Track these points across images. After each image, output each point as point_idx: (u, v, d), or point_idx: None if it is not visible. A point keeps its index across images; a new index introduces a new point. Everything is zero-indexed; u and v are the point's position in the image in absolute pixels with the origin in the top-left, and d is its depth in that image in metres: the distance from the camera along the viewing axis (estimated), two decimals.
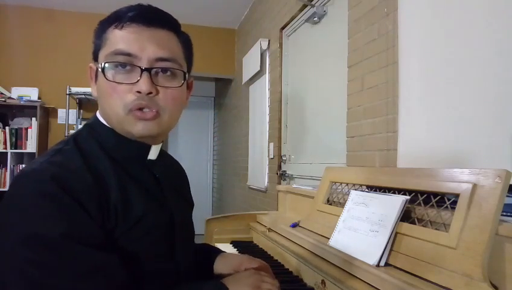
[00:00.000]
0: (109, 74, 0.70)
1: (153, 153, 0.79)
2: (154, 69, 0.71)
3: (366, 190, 1.06)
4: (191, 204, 0.96)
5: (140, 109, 0.71)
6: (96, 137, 0.75)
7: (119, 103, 0.70)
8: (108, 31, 0.73)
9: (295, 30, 2.73)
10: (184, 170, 1.01)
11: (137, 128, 0.72)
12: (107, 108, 0.73)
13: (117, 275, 0.64)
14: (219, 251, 1.00)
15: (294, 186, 1.76)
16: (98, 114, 0.79)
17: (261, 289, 0.76)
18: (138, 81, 0.69)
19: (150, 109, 0.71)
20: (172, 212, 0.80)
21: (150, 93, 0.70)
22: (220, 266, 0.94)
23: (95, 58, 0.76)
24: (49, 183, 0.61)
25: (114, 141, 0.75)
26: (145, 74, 0.70)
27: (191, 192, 0.99)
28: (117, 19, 0.72)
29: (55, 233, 0.59)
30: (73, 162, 0.67)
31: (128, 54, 0.70)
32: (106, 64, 0.70)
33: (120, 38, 0.70)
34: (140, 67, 0.70)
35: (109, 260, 0.64)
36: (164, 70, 0.73)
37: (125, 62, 0.70)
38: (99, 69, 0.72)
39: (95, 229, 0.64)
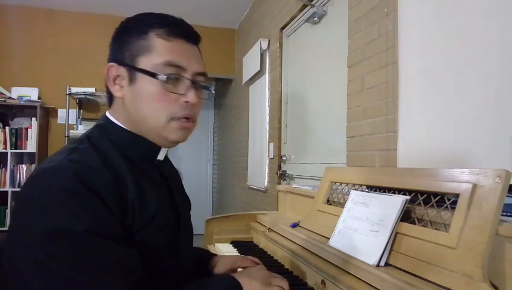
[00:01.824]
0: (161, 82, 0.74)
1: (162, 154, 0.84)
2: (197, 82, 0.78)
3: (366, 190, 1.06)
4: (190, 204, 0.99)
5: (185, 118, 0.77)
6: (109, 136, 0.77)
7: (165, 110, 0.75)
8: (150, 37, 0.75)
9: (295, 30, 2.73)
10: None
11: (176, 135, 0.78)
12: (145, 112, 0.75)
13: (136, 269, 0.66)
14: (212, 254, 1.07)
15: (294, 186, 1.76)
16: (109, 115, 0.81)
17: (271, 284, 0.78)
18: (187, 92, 0.76)
19: (190, 119, 0.78)
20: (178, 211, 0.83)
21: (194, 104, 0.77)
22: (216, 265, 1.00)
23: (125, 60, 0.76)
24: (72, 180, 0.63)
25: (127, 141, 0.78)
26: (193, 87, 0.77)
27: (190, 192, 1.02)
28: (157, 26, 0.76)
29: (80, 228, 0.61)
30: (91, 160, 0.69)
31: (178, 67, 0.75)
32: (160, 73, 0.74)
33: (170, 50, 0.75)
34: (189, 79, 0.77)
35: (129, 255, 0.66)
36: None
37: (176, 74, 0.75)
38: (146, 74, 0.74)
39: (116, 224, 0.66)
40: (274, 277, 0.80)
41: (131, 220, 0.70)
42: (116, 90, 0.78)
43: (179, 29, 0.77)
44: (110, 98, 0.81)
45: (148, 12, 0.80)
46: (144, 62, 0.75)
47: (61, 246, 0.60)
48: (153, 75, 0.74)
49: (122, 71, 0.77)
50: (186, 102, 0.76)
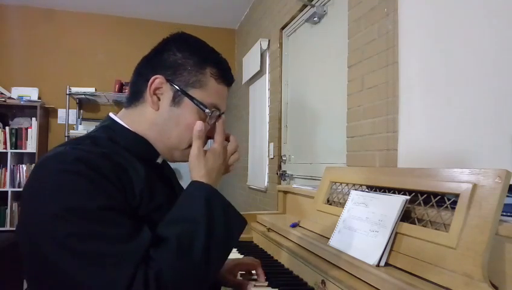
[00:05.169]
0: (202, 115, 0.80)
1: (160, 159, 0.86)
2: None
3: (366, 190, 1.06)
4: None
5: None
6: (113, 136, 0.79)
7: (190, 137, 0.79)
8: (206, 74, 0.80)
9: (295, 30, 2.73)
10: None
11: (184, 159, 0.83)
12: (174, 133, 0.80)
13: (148, 237, 0.66)
14: None
15: (294, 186, 1.76)
16: (113, 116, 0.83)
17: (229, 164, 0.83)
18: (212, 128, 0.82)
19: None
20: None
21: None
22: None
23: (175, 81, 0.79)
24: (76, 163, 0.65)
25: (131, 141, 0.79)
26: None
27: None
28: (213, 64, 0.81)
29: (92, 205, 0.62)
30: (94, 149, 0.71)
31: (217, 108, 0.82)
32: (207, 110, 0.79)
33: (216, 92, 0.82)
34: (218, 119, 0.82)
35: (141, 224, 0.67)
36: None
37: (215, 114, 0.82)
38: (197, 105, 0.79)
39: (124, 201, 0.68)
40: (225, 154, 0.81)
41: (138, 205, 0.71)
42: (153, 102, 0.79)
43: (227, 76, 0.84)
44: (133, 98, 0.82)
45: (202, 42, 0.85)
46: (195, 94, 0.79)
47: (77, 223, 0.61)
48: (202, 108, 0.79)
49: (168, 89, 0.79)
50: (209, 137, 0.83)
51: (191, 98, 0.79)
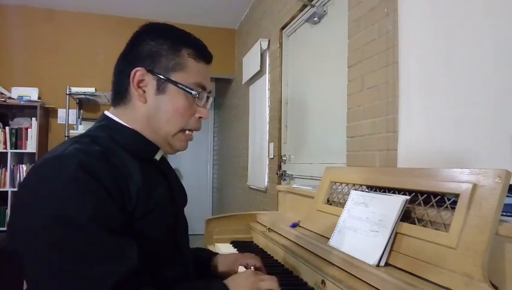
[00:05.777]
0: (190, 97, 0.81)
1: (159, 155, 0.87)
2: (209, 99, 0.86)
3: (366, 190, 1.06)
4: (186, 199, 1.01)
5: (190, 130, 0.85)
6: (112, 135, 0.79)
7: (182, 121, 0.81)
8: (183, 56, 0.80)
9: (295, 30, 2.73)
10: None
11: (181, 145, 0.85)
12: (164, 120, 0.80)
13: (132, 259, 0.66)
14: (212, 253, 1.11)
15: (294, 186, 1.76)
16: (110, 114, 0.83)
17: (260, 289, 0.78)
18: (203, 108, 0.84)
19: (193, 131, 0.86)
20: (178, 205, 0.87)
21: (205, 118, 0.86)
22: (217, 264, 1.02)
23: (156, 70, 0.79)
24: (75, 169, 0.65)
25: (130, 139, 0.80)
26: (207, 103, 0.85)
27: (190, 192, 1.04)
28: (187, 45, 0.81)
29: (82, 217, 0.62)
30: (95, 149, 0.71)
31: (203, 87, 0.83)
32: (193, 90, 0.80)
33: (198, 72, 0.82)
34: (207, 98, 0.84)
35: (127, 245, 0.67)
36: None
37: (202, 92, 0.83)
38: (182, 89, 0.79)
39: (117, 212, 0.68)
40: (263, 280, 0.80)
41: (134, 207, 0.72)
42: (139, 95, 0.79)
43: (204, 52, 0.84)
44: (119, 97, 0.82)
45: (173, 26, 0.84)
46: (178, 78, 0.80)
47: (61, 233, 0.61)
48: (188, 90, 0.80)
49: (150, 79, 0.79)
50: (200, 117, 0.84)
51: (175, 83, 0.79)
